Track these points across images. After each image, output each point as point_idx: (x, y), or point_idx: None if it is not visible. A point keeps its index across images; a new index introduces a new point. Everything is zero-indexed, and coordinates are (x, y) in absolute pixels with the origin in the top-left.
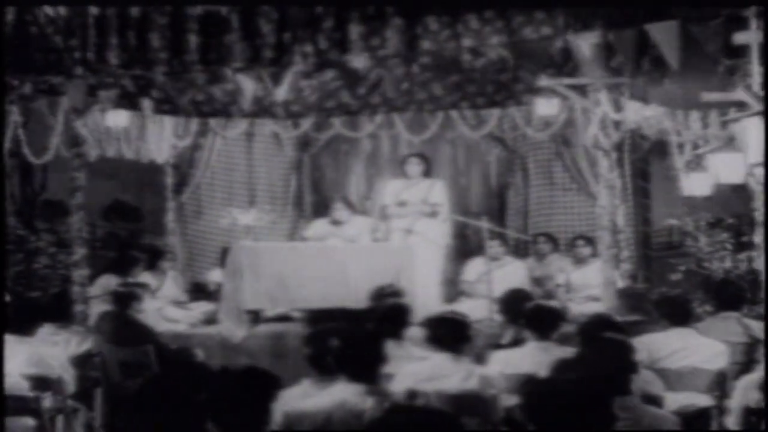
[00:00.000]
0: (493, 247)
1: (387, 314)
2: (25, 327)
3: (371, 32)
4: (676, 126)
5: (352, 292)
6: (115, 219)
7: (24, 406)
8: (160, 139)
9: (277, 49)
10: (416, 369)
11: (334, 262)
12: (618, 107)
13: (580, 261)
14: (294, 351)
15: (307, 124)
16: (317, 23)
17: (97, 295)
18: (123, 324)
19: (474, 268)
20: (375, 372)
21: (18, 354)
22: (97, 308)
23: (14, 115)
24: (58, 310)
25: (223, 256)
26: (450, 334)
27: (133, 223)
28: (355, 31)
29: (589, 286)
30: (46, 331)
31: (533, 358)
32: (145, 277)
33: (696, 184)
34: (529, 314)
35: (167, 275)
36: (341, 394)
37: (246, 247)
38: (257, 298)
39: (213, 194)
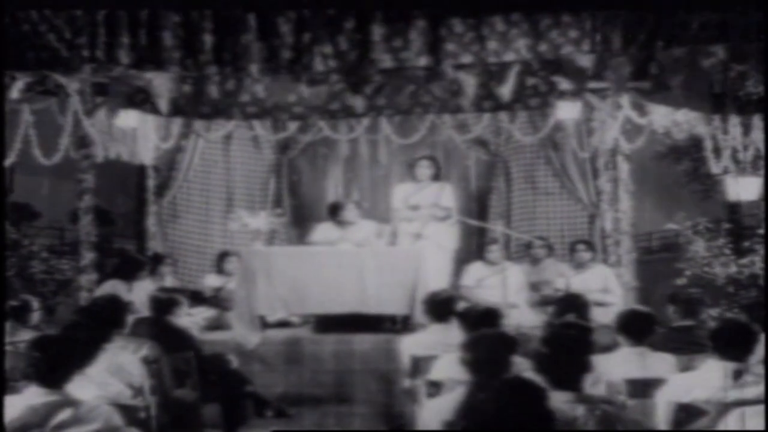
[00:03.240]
0: (493, 251)
1: (481, 319)
2: (105, 333)
3: (394, 33)
4: (713, 130)
5: (369, 297)
6: None
7: (132, 416)
8: (146, 140)
9: (296, 50)
10: None
11: (350, 267)
12: (643, 111)
13: (580, 266)
14: (309, 357)
15: (293, 126)
16: (337, 24)
17: None
18: (163, 330)
19: (472, 272)
20: (581, 379)
21: (97, 362)
22: None
23: (25, 114)
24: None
25: (219, 261)
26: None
27: (104, 226)
28: (377, 32)
29: (590, 291)
30: None
31: (630, 363)
32: (146, 282)
33: (744, 189)
34: (624, 319)
35: (165, 280)
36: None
37: (259, 251)
38: (271, 304)
39: (190, 198)
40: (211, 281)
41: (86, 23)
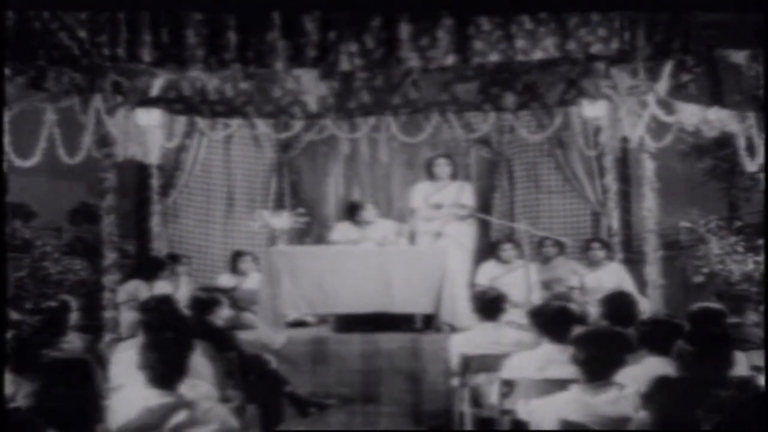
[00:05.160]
0: (506, 250)
1: (556, 318)
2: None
3: (421, 32)
4: (747, 128)
5: (394, 297)
6: (81, 222)
7: None
8: (154, 140)
9: (321, 48)
10: (632, 373)
11: (374, 266)
12: (670, 110)
13: (594, 264)
14: (335, 356)
15: (297, 125)
16: (363, 22)
17: (124, 301)
18: (205, 331)
19: (486, 271)
20: (727, 376)
21: None
22: (126, 315)
23: (49, 113)
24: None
25: (233, 261)
26: (664, 336)
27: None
28: (404, 30)
29: (604, 289)
30: None
31: None
32: (163, 282)
33: None
34: (694, 317)
35: (181, 280)
36: None
37: (283, 251)
38: (296, 303)
39: (190, 197)
40: (225, 281)
41: (106, 22)
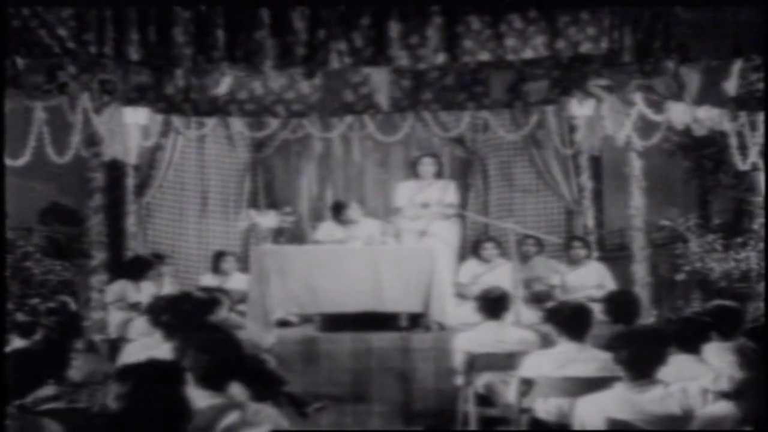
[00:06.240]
0: (488, 249)
1: (573, 316)
2: None
3: (410, 30)
4: (738, 127)
5: (384, 296)
6: (53, 223)
7: None
8: (133, 138)
9: (310, 46)
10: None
11: (364, 265)
12: (659, 108)
13: (575, 262)
14: (326, 356)
15: (275, 124)
16: (353, 20)
17: (112, 302)
18: (208, 331)
19: (467, 270)
20: None
21: None
22: (114, 315)
23: (38, 112)
24: None
25: (215, 261)
26: (695, 335)
27: (73, 226)
28: (393, 29)
29: (585, 287)
30: None
31: (721, 358)
32: (148, 282)
33: None
34: (715, 314)
35: (165, 280)
36: None
37: (271, 250)
38: (285, 303)
39: (163, 197)
40: (207, 281)
41: (93, 19)
